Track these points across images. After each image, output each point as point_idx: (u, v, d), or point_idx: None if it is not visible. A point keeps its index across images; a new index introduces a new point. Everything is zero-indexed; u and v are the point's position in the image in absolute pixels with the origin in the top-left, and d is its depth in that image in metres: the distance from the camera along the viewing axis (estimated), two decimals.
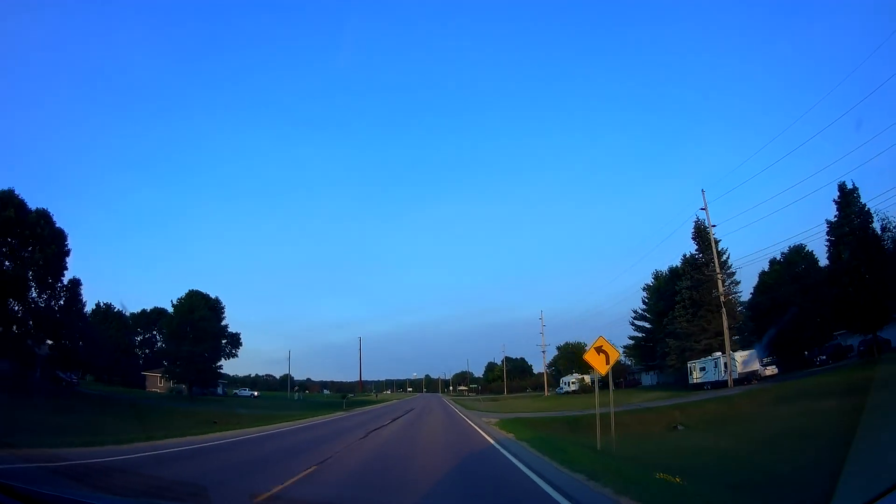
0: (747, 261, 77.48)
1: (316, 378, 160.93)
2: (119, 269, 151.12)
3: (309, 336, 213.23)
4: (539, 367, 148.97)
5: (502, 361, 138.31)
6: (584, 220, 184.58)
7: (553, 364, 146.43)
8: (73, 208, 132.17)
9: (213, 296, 56.26)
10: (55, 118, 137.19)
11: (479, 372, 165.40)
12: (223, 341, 55.00)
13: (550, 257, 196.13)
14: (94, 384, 59.84)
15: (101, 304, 68.70)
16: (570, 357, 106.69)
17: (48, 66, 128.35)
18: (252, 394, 75.94)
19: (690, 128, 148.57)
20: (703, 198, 40.39)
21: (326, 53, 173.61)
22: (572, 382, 67.26)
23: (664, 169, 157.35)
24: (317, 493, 7.63)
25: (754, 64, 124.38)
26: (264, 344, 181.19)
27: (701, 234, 46.63)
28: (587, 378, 68.61)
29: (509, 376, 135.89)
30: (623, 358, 66.29)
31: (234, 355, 57.18)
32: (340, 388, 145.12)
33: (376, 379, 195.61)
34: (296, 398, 78.95)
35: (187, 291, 54.10)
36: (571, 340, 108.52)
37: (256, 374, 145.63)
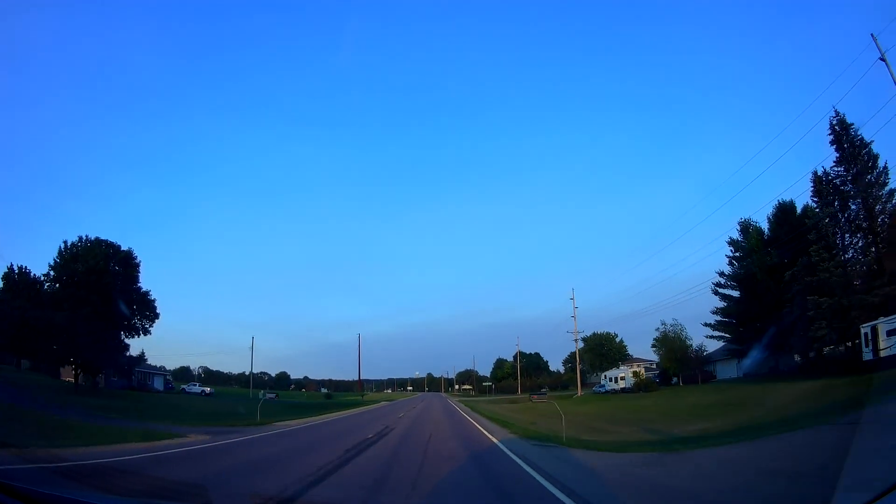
0: None
1: (316, 377, 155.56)
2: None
3: (311, 335, 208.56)
4: (556, 363, 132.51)
5: (514, 357, 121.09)
6: (586, 219, 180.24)
7: (571, 360, 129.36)
8: (73, 209, 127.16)
9: (124, 247, 39.80)
10: (55, 117, 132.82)
11: (483, 371, 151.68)
12: (131, 310, 38.23)
13: (553, 256, 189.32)
14: (28, 372, 46.29)
15: (14, 268, 51.74)
16: (599, 350, 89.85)
17: (47, 66, 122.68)
18: (203, 390, 59.35)
19: (692, 127, 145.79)
20: (877, 44, 22.98)
21: (326, 53, 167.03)
22: (621, 378, 49.95)
23: (665, 168, 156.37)
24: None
25: (755, 63, 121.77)
26: (266, 343, 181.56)
27: (843, 136, 29.72)
28: (643, 371, 51.44)
29: (521, 374, 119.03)
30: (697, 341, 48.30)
31: (146, 331, 40.57)
32: (338, 387, 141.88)
33: (378, 378, 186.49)
34: (260, 397, 62.20)
35: (81, 237, 37.83)
36: (594, 332, 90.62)
37: (251, 372, 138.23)
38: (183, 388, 61.07)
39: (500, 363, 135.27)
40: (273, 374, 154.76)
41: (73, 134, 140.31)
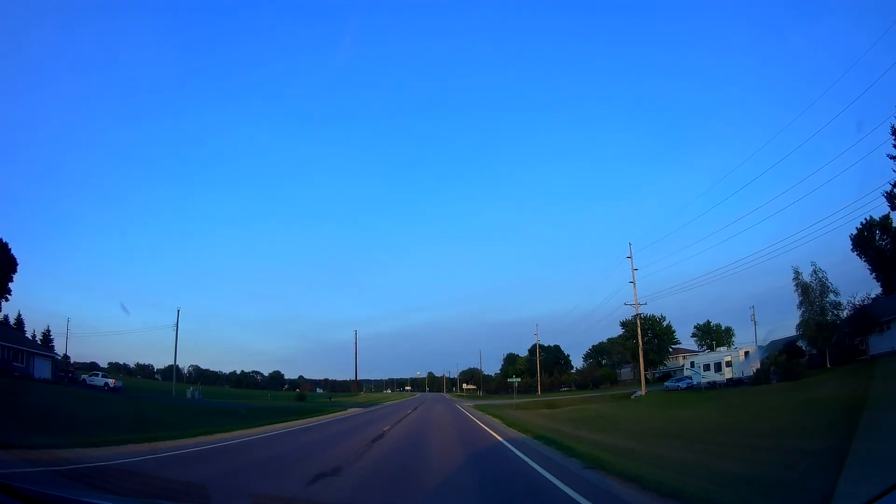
0: None
1: (311, 376, 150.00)
2: (117, 267, 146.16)
3: (311, 335, 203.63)
4: (577, 360, 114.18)
5: (531, 350, 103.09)
6: (594, 216, 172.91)
7: (593, 354, 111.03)
8: (75, 207, 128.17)
9: None
10: (57, 114, 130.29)
11: (487, 370, 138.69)
12: None
13: (560, 255, 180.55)
14: None
15: None
16: (648, 334, 72.02)
17: (51, 61, 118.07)
18: (107, 383, 41.88)
19: (698, 124, 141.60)
20: None
21: (330, 48, 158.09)
22: (726, 363, 31.99)
23: (670, 165, 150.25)
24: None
25: (761, 62, 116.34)
26: (262, 342, 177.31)
27: None
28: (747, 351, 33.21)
29: (539, 370, 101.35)
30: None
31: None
32: (334, 387, 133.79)
33: (379, 378, 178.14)
34: (188, 396, 44.68)
35: None
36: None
37: (242, 371, 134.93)
38: (83, 379, 43.58)
39: (511, 359, 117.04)
40: (266, 373, 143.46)
41: (75, 130, 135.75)
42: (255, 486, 7.25)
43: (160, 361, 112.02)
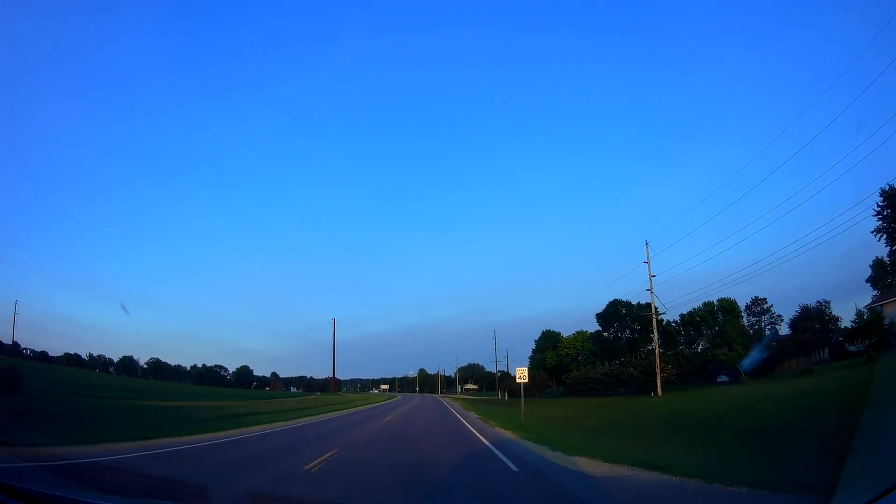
0: None
1: (300, 375, 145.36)
2: (115, 265, 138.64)
3: (302, 333, 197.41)
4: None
5: (602, 315, 59.67)
6: (592, 215, 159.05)
7: (676, 326, 65.89)
8: (73, 205, 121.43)
9: None
10: (53, 112, 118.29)
11: (489, 368, 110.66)
12: None
13: (563, 255, 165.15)
14: None
15: None
16: None
17: (47, 62, 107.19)
18: None
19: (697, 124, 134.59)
20: None
21: (328, 45, 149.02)
22: None
23: (667, 165, 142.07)
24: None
25: (761, 60, 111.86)
26: (261, 343, 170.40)
27: None
28: None
29: (585, 360, 59.01)
30: None
31: None
32: (310, 386, 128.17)
33: (370, 377, 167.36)
34: None
35: None
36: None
37: (204, 365, 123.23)
38: None
39: (549, 338, 72.90)
40: (231, 369, 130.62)
41: (72, 128, 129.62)
42: None
43: (115, 353, 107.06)
